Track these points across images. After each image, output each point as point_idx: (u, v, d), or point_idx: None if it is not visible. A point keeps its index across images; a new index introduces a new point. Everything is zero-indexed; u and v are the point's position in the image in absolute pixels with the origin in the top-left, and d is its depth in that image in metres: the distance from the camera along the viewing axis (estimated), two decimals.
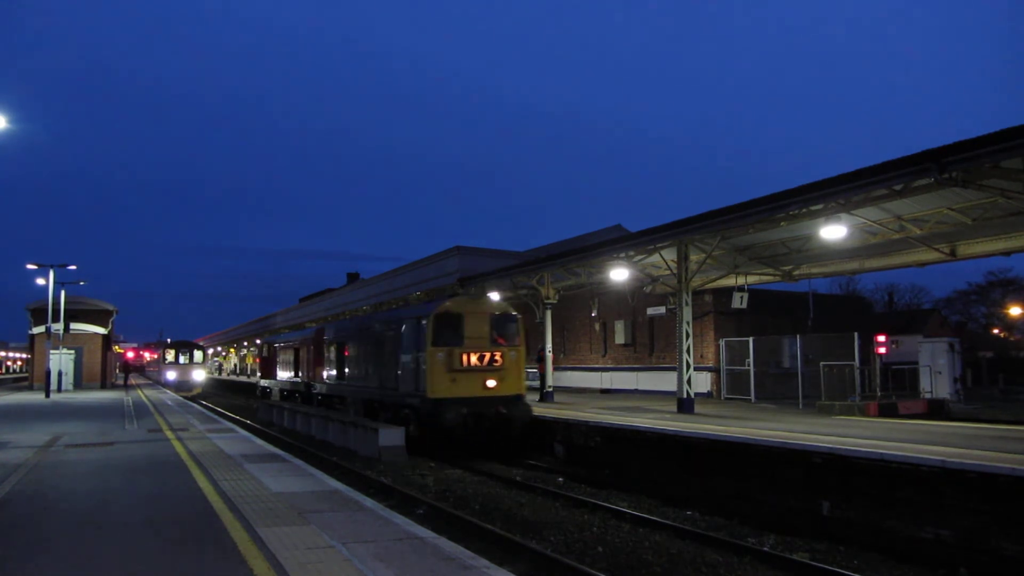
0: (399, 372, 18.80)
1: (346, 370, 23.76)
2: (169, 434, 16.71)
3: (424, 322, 17.49)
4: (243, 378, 76.38)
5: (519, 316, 18.90)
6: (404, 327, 18.82)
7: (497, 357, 17.36)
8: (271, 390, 35.81)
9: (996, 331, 60.67)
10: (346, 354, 23.75)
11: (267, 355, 37.50)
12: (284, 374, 33.27)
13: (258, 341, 42.53)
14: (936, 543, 9.66)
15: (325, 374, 26.11)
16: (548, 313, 25.85)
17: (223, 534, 6.96)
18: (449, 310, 17.69)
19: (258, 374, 42.15)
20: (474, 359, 17.16)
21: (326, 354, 26.05)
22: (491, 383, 17.30)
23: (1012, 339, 58.29)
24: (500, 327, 18.23)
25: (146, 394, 38.67)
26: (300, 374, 29.86)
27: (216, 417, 23.77)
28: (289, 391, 31.96)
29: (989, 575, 8.61)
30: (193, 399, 40.95)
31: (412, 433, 17.57)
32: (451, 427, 16.43)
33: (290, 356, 32.11)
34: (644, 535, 9.85)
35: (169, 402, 31.47)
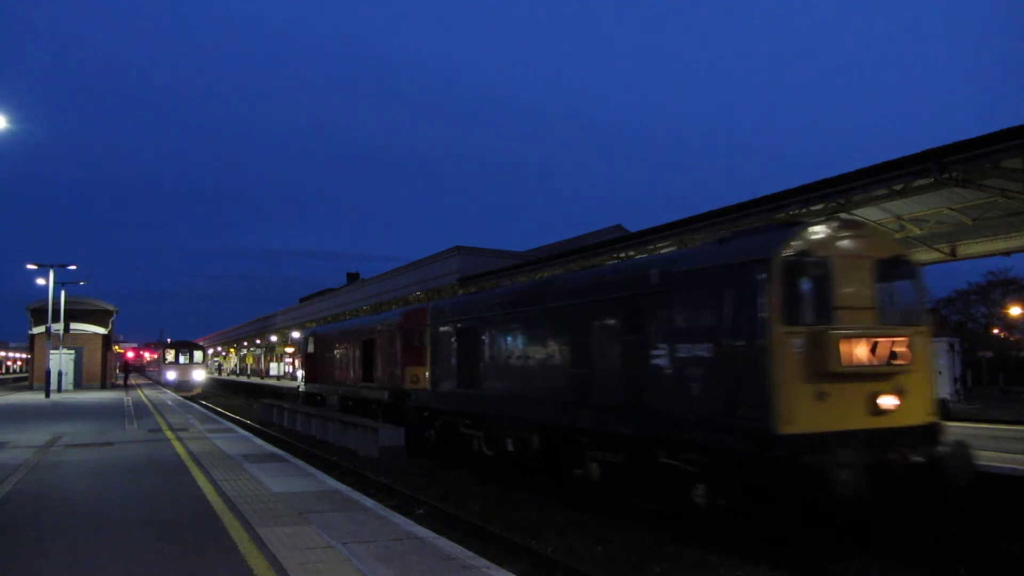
0: (667, 380, 9.54)
1: (494, 375, 14.09)
2: (169, 434, 16.72)
3: (744, 275, 8.64)
4: (243, 378, 76.45)
5: (918, 263, 10.11)
6: (675, 289, 9.58)
7: (900, 347, 8.55)
8: (323, 397, 26.64)
9: (996, 331, 60.64)
10: (491, 347, 14.30)
11: (314, 351, 27.95)
12: (348, 376, 23.85)
13: (309, 331, 31.54)
14: (936, 543, 9.64)
15: (436, 378, 16.60)
16: None
17: (223, 534, 6.96)
18: (809, 249, 8.61)
19: (299, 375, 31.81)
20: (860, 352, 8.32)
21: (438, 348, 16.62)
22: (888, 401, 8.55)
23: (1012, 339, 58.25)
24: (890, 284, 9.37)
25: (146, 394, 38.67)
26: (379, 376, 20.61)
27: (216, 417, 23.80)
28: (358, 400, 22.36)
29: (989, 575, 8.60)
30: (193, 399, 40.96)
31: (700, 502, 9.26)
32: (844, 498, 7.81)
33: (356, 351, 22.99)
34: (644, 535, 9.83)
35: (169, 402, 31.48)
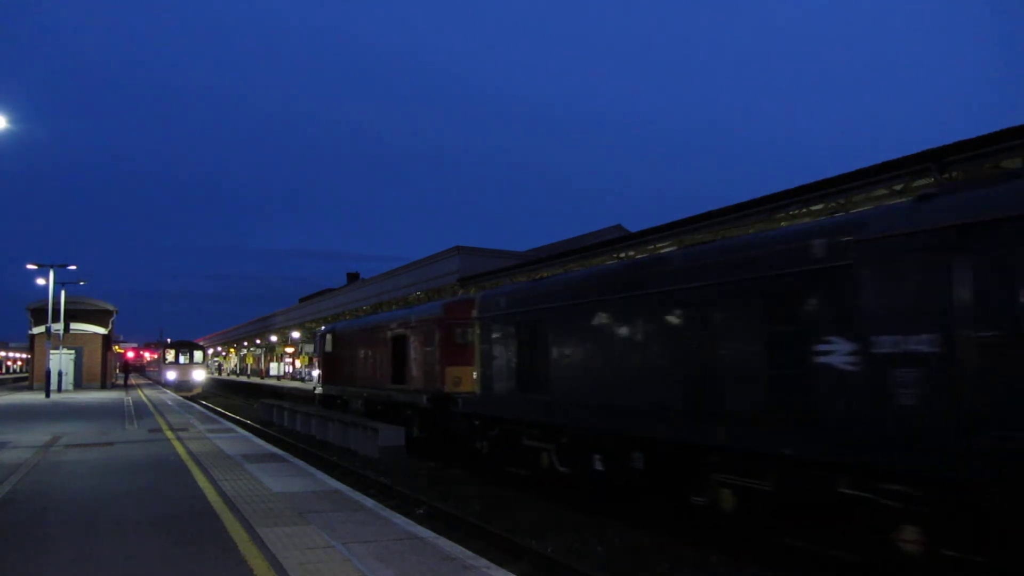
0: (852, 384, 7.16)
1: (573, 377, 11.32)
2: (169, 434, 16.73)
3: (1001, 238, 6.17)
4: (243, 378, 76.48)
5: None
6: (863, 262, 7.16)
7: None
8: (344, 400, 24.00)
9: None
10: (568, 344, 11.48)
11: (333, 350, 25.11)
12: (374, 376, 21.06)
13: (328, 327, 27.55)
14: None
15: (488, 380, 13.66)
16: None
17: (223, 534, 6.97)
18: None
19: (316, 376, 28.11)
20: None
21: (490, 344, 13.58)
22: None
23: None
24: None
25: (146, 394, 38.70)
26: (414, 377, 18.07)
27: (216, 417, 23.81)
28: (387, 404, 19.76)
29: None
30: (193, 399, 40.99)
31: (910, 549, 6.90)
32: None
33: (384, 349, 20.18)
34: (644, 535, 9.83)
35: (169, 402, 31.50)
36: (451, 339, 16.67)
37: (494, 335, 13.60)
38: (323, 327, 27.90)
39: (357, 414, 21.48)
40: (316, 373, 28.08)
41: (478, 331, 14.24)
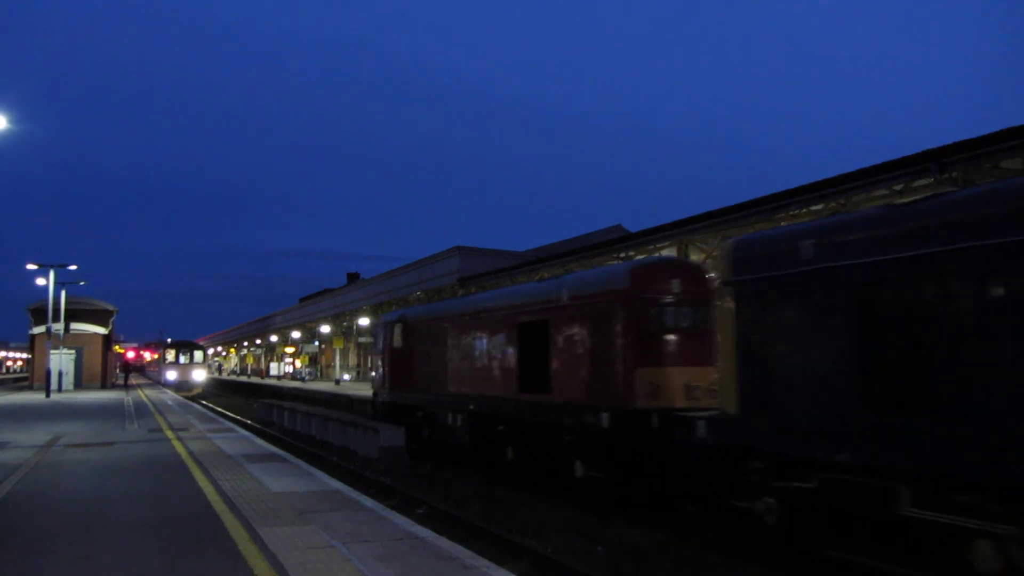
0: None
1: None
2: (169, 434, 16.73)
3: None
4: (243, 378, 76.49)
5: None
6: None
7: None
8: (428, 413, 16.77)
9: None
10: None
11: (403, 345, 18.35)
12: (487, 380, 14.28)
13: (396, 314, 20.03)
14: None
15: (769, 387, 7.64)
16: None
17: (223, 534, 6.97)
18: None
19: (379, 374, 20.19)
20: None
21: (786, 326, 7.53)
22: None
23: None
24: None
25: (146, 394, 38.70)
26: (571, 384, 11.71)
27: (216, 417, 23.81)
28: (518, 423, 13.13)
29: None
30: (193, 399, 40.99)
31: None
32: None
33: (503, 341, 13.86)
34: (645, 535, 9.83)
35: (169, 402, 31.50)
36: (644, 323, 10.75)
37: (781, 310, 7.83)
38: (388, 314, 21.76)
39: (448, 432, 15.67)
40: (374, 374, 21.38)
41: (734, 305, 8.31)
